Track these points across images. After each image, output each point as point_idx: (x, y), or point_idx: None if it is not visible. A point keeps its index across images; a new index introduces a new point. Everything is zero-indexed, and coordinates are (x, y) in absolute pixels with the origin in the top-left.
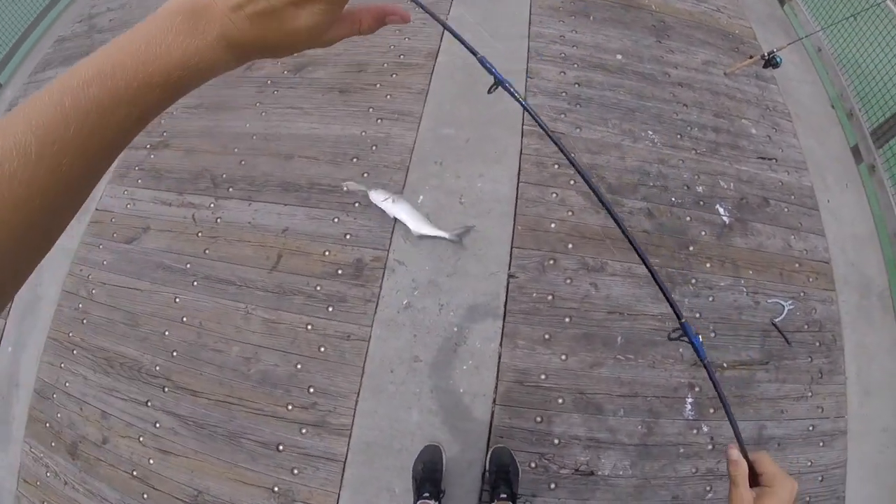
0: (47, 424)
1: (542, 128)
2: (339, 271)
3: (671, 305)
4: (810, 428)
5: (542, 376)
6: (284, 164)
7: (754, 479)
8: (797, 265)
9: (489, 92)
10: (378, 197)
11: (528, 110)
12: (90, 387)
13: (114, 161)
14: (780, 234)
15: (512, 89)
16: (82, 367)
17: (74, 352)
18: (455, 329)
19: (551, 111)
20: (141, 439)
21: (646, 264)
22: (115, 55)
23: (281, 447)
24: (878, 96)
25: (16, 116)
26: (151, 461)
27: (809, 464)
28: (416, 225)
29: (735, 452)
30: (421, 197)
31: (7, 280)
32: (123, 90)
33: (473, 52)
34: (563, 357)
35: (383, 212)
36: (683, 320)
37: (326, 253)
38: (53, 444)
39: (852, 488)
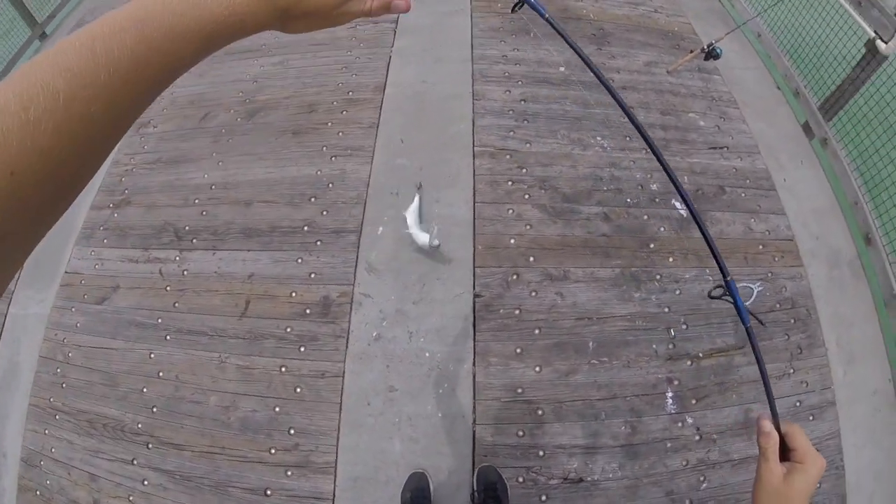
0: (37, 493)
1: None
2: (308, 311)
3: (717, 260)
4: (797, 404)
5: (519, 390)
6: (245, 210)
7: (784, 454)
8: (761, 247)
9: (513, 11)
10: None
11: (552, 24)
12: (76, 450)
13: (140, 114)
14: (739, 220)
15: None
16: (66, 432)
17: (57, 417)
18: (427, 355)
19: (500, 130)
20: (131, 498)
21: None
22: (150, 4)
23: (269, 492)
24: (821, 71)
25: (42, 60)
26: None
27: None
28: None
29: (767, 424)
30: (381, 228)
31: (28, 231)
32: (159, 40)
33: None
34: (538, 369)
35: (345, 248)
36: (729, 278)
37: (293, 294)
38: None
39: (850, 456)
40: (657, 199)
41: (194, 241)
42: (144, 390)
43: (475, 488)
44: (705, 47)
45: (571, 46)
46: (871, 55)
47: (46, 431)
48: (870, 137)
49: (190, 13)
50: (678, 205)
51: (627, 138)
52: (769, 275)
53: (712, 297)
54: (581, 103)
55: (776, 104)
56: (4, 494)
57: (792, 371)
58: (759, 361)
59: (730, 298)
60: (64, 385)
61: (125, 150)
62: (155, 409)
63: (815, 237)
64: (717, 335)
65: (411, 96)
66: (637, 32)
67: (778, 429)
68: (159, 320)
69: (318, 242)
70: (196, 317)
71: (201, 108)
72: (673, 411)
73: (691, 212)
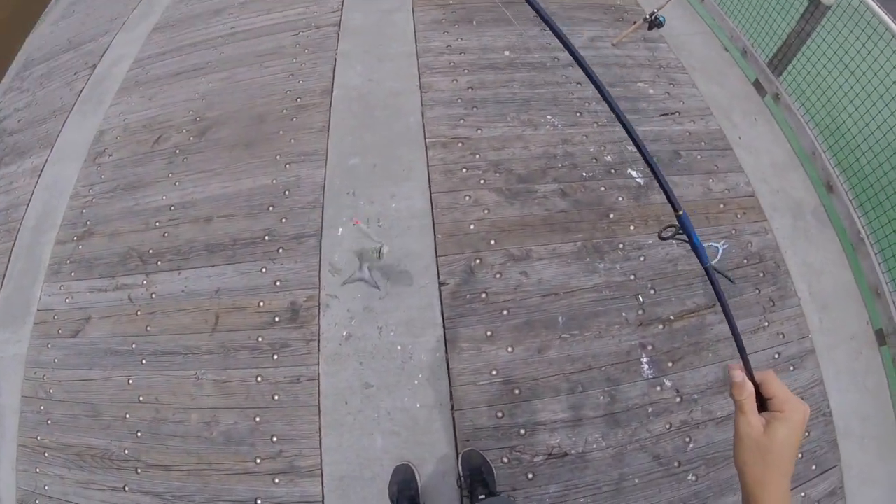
0: None
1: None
2: (277, 318)
3: (666, 193)
4: (776, 356)
5: (493, 372)
6: (205, 227)
7: (762, 404)
8: (722, 205)
9: None
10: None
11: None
12: (68, 485)
13: None
14: (697, 181)
15: None
16: (56, 468)
17: (46, 454)
18: (399, 348)
19: (450, 119)
20: None
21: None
22: None
23: (259, 501)
24: (766, 28)
25: None
26: None
27: None
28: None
29: (739, 374)
30: (340, 229)
31: None
32: None
33: None
34: (510, 349)
35: (307, 252)
36: (681, 212)
37: (261, 304)
38: None
39: (836, 400)
40: (612, 171)
41: (159, 263)
42: (127, 416)
43: (461, 474)
44: (648, 17)
45: (557, 34)
46: (814, 7)
47: (38, 470)
48: (821, 88)
49: None
50: (634, 173)
51: (578, 114)
52: (733, 232)
53: (663, 239)
54: (528, 84)
55: (725, 65)
56: None
57: (767, 324)
58: (723, 305)
59: (683, 236)
60: (49, 422)
61: (83, 182)
62: (139, 434)
63: (776, 191)
64: (686, 296)
65: (357, 97)
66: (580, 10)
67: (752, 378)
68: (133, 346)
69: (280, 250)
70: (168, 338)
71: (154, 131)
72: (650, 376)
73: (642, 154)
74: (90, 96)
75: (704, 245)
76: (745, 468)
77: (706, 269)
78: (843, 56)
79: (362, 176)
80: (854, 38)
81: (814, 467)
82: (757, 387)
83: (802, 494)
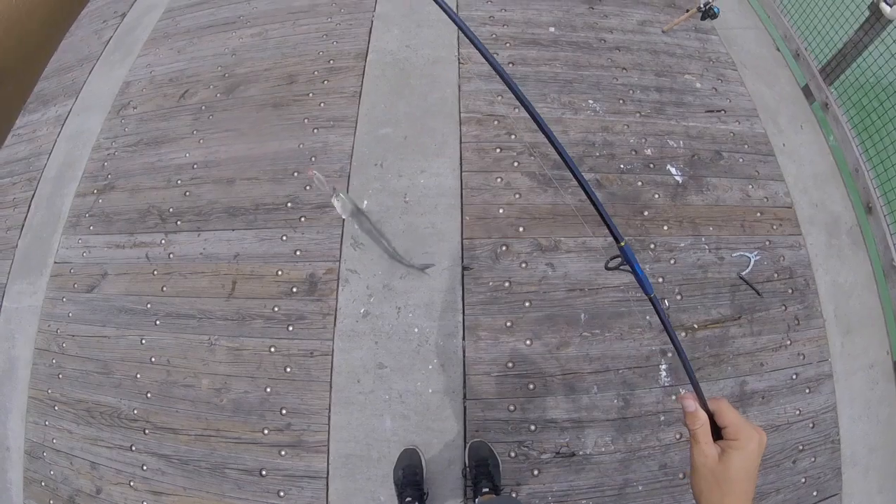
0: (43, 483)
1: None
2: (294, 289)
3: (608, 225)
4: (794, 376)
5: (510, 364)
6: (227, 189)
7: (717, 432)
8: (759, 214)
9: None
10: (341, 208)
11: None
12: (76, 440)
13: None
14: (737, 186)
15: None
16: (65, 422)
17: (56, 408)
18: (416, 330)
19: (487, 94)
20: (132, 484)
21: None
22: None
23: (264, 472)
24: (822, 32)
25: None
26: None
27: (798, 412)
28: (383, 242)
29: (691, 403)
30: (366, 201)
31: None
32: None
33: None
34: (528, 342)
35: (330, 223)
36: (623, 243)
37: (279, 273)
38: (52, 501)
39: (846, 429)
40: (651, 165)
41: (178, 223)
42: (138, 376)
43: (467, 464)
44: (702, 6)
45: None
46: (875, 18)
47: (47, 423)
48: (872, 104)
49: None
50: (673, 170)
51: (621, 101)
52: (767, 243)
53: (609, 269)
54: (572, 65)
55: (776, 66)
56: (11, 488)
57: (789, 343)
58: (669, 333)
59: (627, 268)
60: (60, 376)
61: (106, 134)
62: (149, 395)
63: (815, 204)
64: (713, 306)
65: (392, 63)
66: None
67: (705, 407)
68: (148, 305)
69: (303, 218)
70: (184, 300)
71: (180, 85)
72: (667, 384)
73: (572, 170)
74: (118, 46)
75: (737, 254)
76: (702, 497)
77: (650, 299)
78: None
79: (392, 147)
80: None
81: (815, 493)
82: (711, 415)
83: None
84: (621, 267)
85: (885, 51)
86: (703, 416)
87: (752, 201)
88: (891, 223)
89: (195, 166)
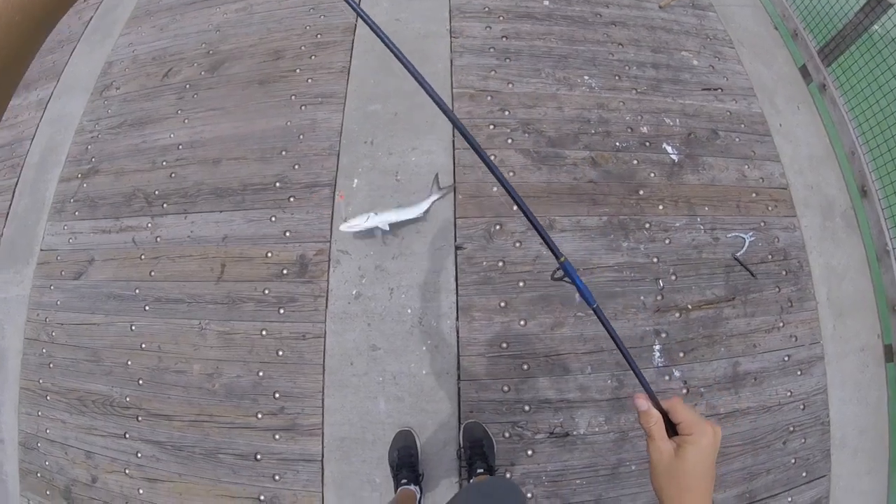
0: (38, 475)
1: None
2: (285, 271)
3: (547, 244)
4: (786, 358)
5: (504, 345)
6: (214, 169)
7: (672, 429)
8: (754, 195)
9: None
10: (359, 221)
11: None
12: (69, 429)
13: None
14: (733, 166)
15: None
16: (58, 412)
17: (48, 397)
18: (409, 311)
19: (480, 69)
20: (127, 471)
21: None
22: None
23: (259, 456)
24: (822, 12)
25: None
26: (141, 491)
27: (789, 394)
28: (408, 213)
29: (643, 402)
30: (356, 180)
31: None
32: None
33: None
34: (522, 323)
35: (319, 203)
36: (563, 259)
37: (269, 254)
38: (48, 492)
39: (836, 411)
40: (647, 143)
41: (165, 205)
42: (129, 363)
43: (461, 445)
44: None
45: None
46: (877, 1)
47: (40, 413)
48: (870, 87)
49: None
50: (669, 149)
51: (616, 77)
52: (762, 224)
53: (555, 280)
54: (567, 39)
55: (774, 45)
56: (8, 480)
57: (782, 325)
58: (613, 339)
59: (568, 280)
60: (51, 365)
61: (89, 117)
62: (141, 382)
63: (810, 186)
64: (707, 286)
65: None
66: None
67: (658, 406)
68: (137, 291)
69: (292, 199)
70: (173, 284)
71: (164, 64)
72: (660, 364)
73: (508, 192)
74: (99, 26)
75: (732, 234)
76: (661, 493)
77: (595, 310)
78: None
79: (382, 124)
80: None
81: (804, 474)
82: (665, 413)
83: (789, 499)
84: (564, 279)
85: (886, 34)
86: (656, 413)
87: (747, 182)
88: (885, 207)
89: (180, 147)
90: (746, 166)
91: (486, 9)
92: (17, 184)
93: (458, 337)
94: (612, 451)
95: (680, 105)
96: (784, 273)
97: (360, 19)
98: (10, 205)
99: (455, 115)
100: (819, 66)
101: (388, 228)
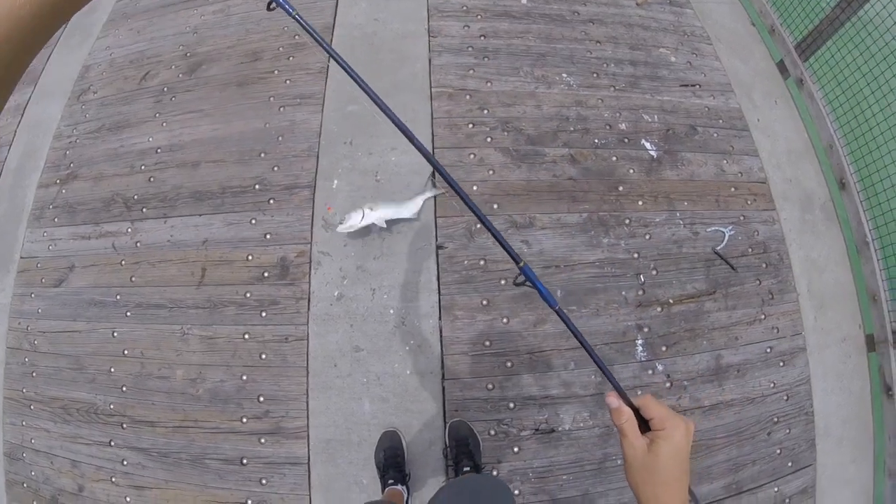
0: (24, 485)
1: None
2: (266, 274)
3: (506, 250)
4: (768, 350)
5: (487, 343)
6: (192, 172)
7: (645, 425)
8: (733, 189)
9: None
10: (355, 220)
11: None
12: (54, 438)
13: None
14: (711, 161)
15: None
16: (42, 421)
17: (31, 407)
18: (391, 312)
19: (458, 68)
20: (113, 479)
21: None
22: None
23: (245, 460)
24: (798, 8)
25: None
26: (128, 499)
27: (772, 385)
28: (403, 210)
29: (614, 400)
30: (336, 181)
31: None
32: None
33: None
34: (505, 320)
35: (299, 205)
36: (522, 264)
37: (249, 257)
38: (35, 502)
39: (820, 401)
40: (626, 140)
41: (144, 210)
42: (112, 370)
43: (447, 443)
44: None
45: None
46: None
47: (24, 423)
48: (847, 81)
49: None
50: (648, 145)
51: (595, 74)
52: (741, 218)
53: (517, 285)
54: (545, 38)
55: (751, 41)
56: None
57: (763, 317)
58: (578, 338)
59: (530, 284)
60: (34, 374)
61: (67, 121)
62: (124, 389)
63: (789, 180)
64: (688, 280)
65: (361, 37)
66: None
67: (629, 403)
68: (118, 297)
69: (271, 201)
70: (154, 289)
71: (141, 67)
72: (643, 359)
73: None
74: (76, 29)
75: (712, 229)
76: (638, 489)
77: (556, 311)
78: (875, 53)
79: (361, 125)
80: (891, 36)
81: (790, 464)
82: (637, 410)
83: (776, 489)
84: (526, 284)
85: (862, 28)
86: (628, 410)
87: (726, 176)
88: (864, 199)
89: (159, 150)
90: (725, 161)
91: (465, 8)
92: None
93: (441, 336)
94: (598, 445)
95: (658, 101)
96: (764, 266)
97: (329, 58)
98: None
99: (432, 156)
100: (796, 60)
101: (384, 225)
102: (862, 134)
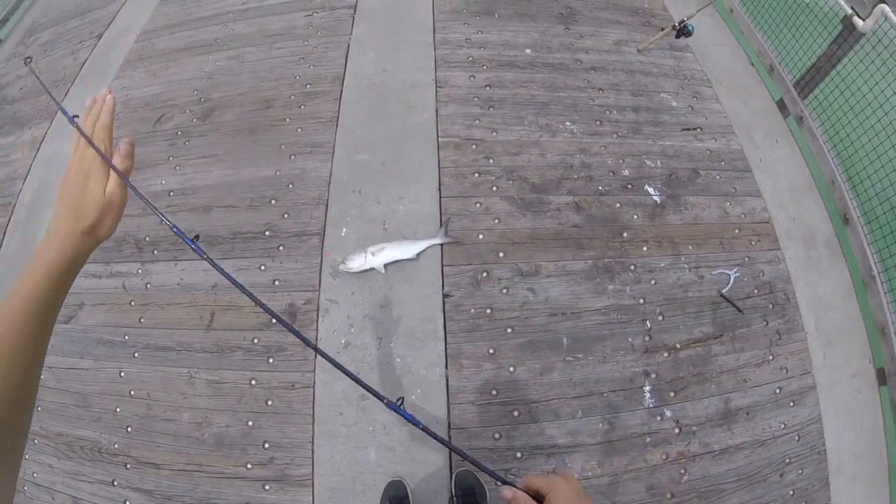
0: None
1: None
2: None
3: (371, 392)
4: (777, 391)
5: (494, 392)
6: (204, 217)
7: (539, 499)
8: (737, 231)
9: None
10: (358, 261)
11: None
12: (56, 474)
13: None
14: (714, 203)
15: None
16: (46, 456)
17: (35, 441)
18: (398, 360)
19: (465, 118)
20: None
21: None
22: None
23: None
24: (796, 48)
25: None
26: None
27: (783, 426)
28: (408, 251)
29: (508, 491)
30: (344, 230)
31: None
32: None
33: None
34: (512, 369)
35: (308, 252)
36: (386, 401)
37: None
38: None
39: (832, 439)
40: (630, 186)
41: (155, 252)
42: (118, 410)
43: (453, 493)
44: (676, 24)
45: None
46: (848, 32)
47: (27, 457)
48: (847, 116)
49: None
50: (651, 190)
51: (598, 122)
52: (746, 259)
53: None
54: (549, 87)
55: (750, 81)
56: None
57: (771, 358)
58: (445, 444)
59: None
60: (40, 409)
61: None
62: (129, 429)
63: (792, 218)
64: (694, 325)
65: (370, 86)
66: (606, 10)
67: (522, 489)
68: (126, 337)
69: (281, 247)
70: (162, 331)
71: (156, 109)
72: (651, 405)
73: None
74: (94, 68)
75: (717, 272)
76: None
77: (423, 429)
78: (872, 87)
79: (370, 174)
80: (887, 69)
81: None
82: (528, 491)
83: None
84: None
85: (859, 63)
86: (523, 495)
87: (730, 218)
88: (868, 232)
89: (171, 193)
90: (728, 203)
91: (471, 58)
92: (8, 223)
93: (447, 385)
94: (607, 494)
95: (661, 146)
96: (771, 306)
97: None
98: (1, 245)
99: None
100: (796, 98)
101: (384, 271)
102: (864, 168)
